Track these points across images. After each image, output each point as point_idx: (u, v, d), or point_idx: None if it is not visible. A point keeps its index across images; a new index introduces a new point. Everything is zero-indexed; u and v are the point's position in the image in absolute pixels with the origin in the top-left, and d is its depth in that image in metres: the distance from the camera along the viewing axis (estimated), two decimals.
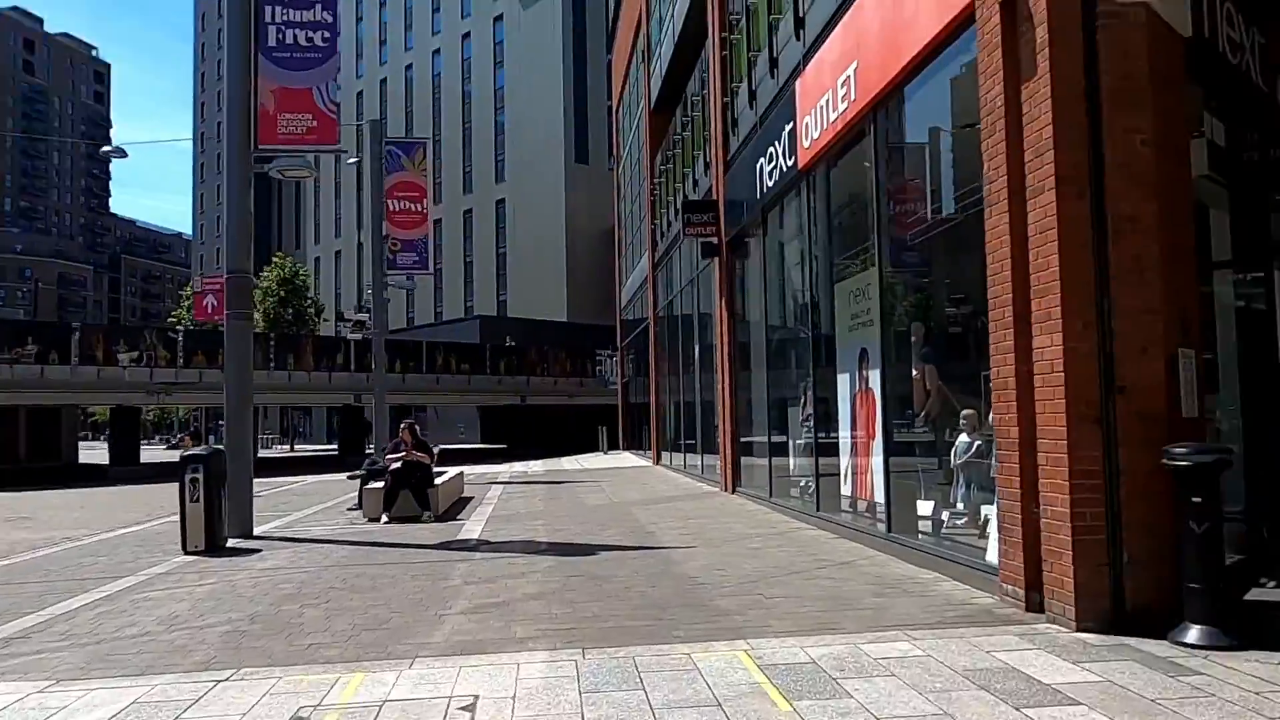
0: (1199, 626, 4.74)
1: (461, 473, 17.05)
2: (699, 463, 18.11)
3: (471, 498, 15.43)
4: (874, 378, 8.60)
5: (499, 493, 16.68)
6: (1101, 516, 5.11)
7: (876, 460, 8.53)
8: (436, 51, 73.89)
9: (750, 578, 7.05)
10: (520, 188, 66.19)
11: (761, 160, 11.86)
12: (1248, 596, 5.91)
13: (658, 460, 24.10)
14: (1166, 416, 5.19)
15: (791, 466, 11.90)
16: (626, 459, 28.58)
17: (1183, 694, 3.94)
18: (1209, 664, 4.38)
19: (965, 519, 7.66)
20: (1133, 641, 4.79)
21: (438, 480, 13.28)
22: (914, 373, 8.38)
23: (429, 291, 70.96)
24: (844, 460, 9.82)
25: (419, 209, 21.75)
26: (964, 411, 7.46)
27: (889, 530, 8.05)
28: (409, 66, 76.06)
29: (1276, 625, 5.10)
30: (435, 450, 16.02)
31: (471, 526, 11.30)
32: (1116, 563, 5.08)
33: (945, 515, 7.96)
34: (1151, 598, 5.05)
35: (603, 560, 8.18)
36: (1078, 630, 5.04)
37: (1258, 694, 3.92)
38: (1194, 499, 4.77)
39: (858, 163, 9.06)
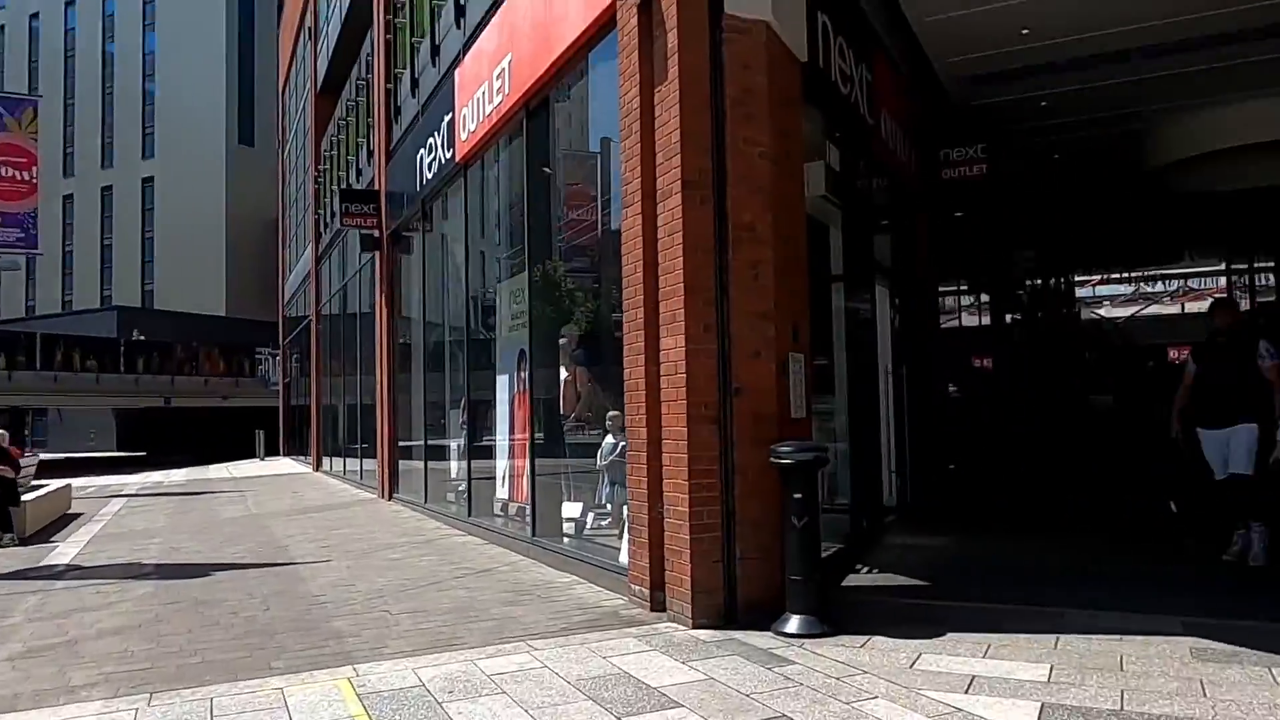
0: (799, 616, 4.98)
1: (69, 485, 14.69)
2: (359, 468, 17.10)
3: (80, 514, 13.28)
4: (529, 379, 8.44)
5: (118, 507, 14.55)
6: (718, 514, 5.25)
7: (527, 463, 8.37)
8: (70, 2, 64.36)
9: (380, 592, 6.53)
10: (173, 166, 59.43)
11: (422, 151, 11.36)
12: (846, 583, 6.42)
13: (318, 466, 22.53)
14: (777, 416, 5.45)
15: (451, 471, 11.49)
16: (285, 465, 26.49)
17: (775, 686, 4.06)
18: (804, 653, 4.59)
19: (609, 519, 7.70)
20: (741, 635, 4.94)
21: (28, 496, 11.25)
22: (565, 374, 8.34)
23: (55, 277, 61.68)
24: (499, 463, 9.60)
25: (26, 178, 18.59)
26: (610, 413, 7.49)
27: (533, 534, 7.90)
28: (34, 15, 65.52)
29: (865, 609, 5.52)
30: (32, 459, 13.66)
31: (66, 549, 9.64)
32: (730, 559, 5.25)
33: (590, 517, 7.98)
34: (761, 591, 5.26)
35: (216, 582, 7.22)
36: (694, 628, 5.12)
37: (838, 679, 4.14)
38: (795, 495, 5.02)
39: (515, 159, 8.88)
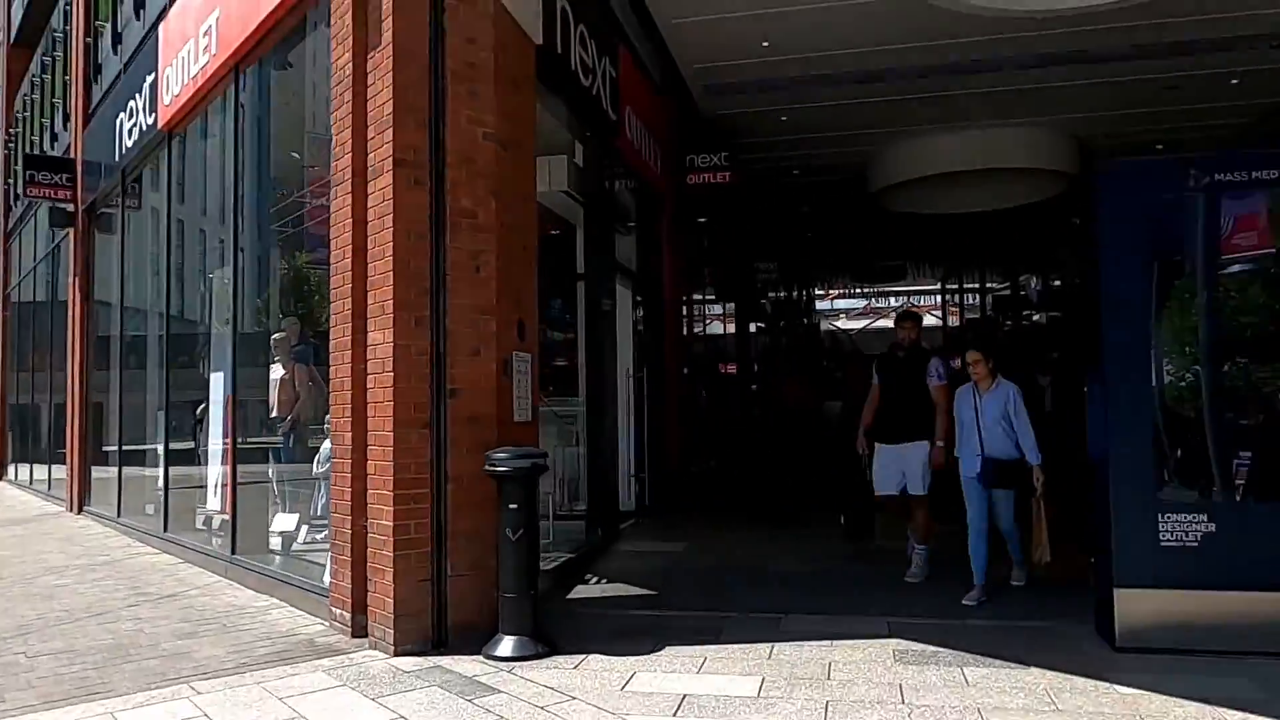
0: (512, 637, 4.59)
1: None
2: (49, 477, 14.89)
3: None
4: (239, 377, 7.52)
5: None
6: (428, 528, 4.76)
7: (231, 470, 7.45)
8: None
9: (23, 629, 5.44)
10: None
11: (123, 115, 9.96)
12: (573, 595, 6.12)
13: (1, 476, 19.51)
14: (498, 420, 5.04)
15: (151, 480, 10.13)
16: None
17: None
18: (512, 678, 4.21)
19: (325, 534, 6.97)
20: (448, 662, 4.48)
21: None
22: (281, 372, 7.51)
23: None
24: (208, 471, 8.53)
25: None
26: (329, 416, 6.77)
27: (233, 551, 7.00)
28: None
29: (588, 624, 5.24)
30: None
31: None
32: (440, 577, 4.77)
33: (304, 531, 7.20)
34: (475, 612, 4.82)
35: None
36: (396, 655, 4.60)
37: (543, 708, 3.78)
38: (511, 505, 4.63)
39: (226, 130, 7.89)
